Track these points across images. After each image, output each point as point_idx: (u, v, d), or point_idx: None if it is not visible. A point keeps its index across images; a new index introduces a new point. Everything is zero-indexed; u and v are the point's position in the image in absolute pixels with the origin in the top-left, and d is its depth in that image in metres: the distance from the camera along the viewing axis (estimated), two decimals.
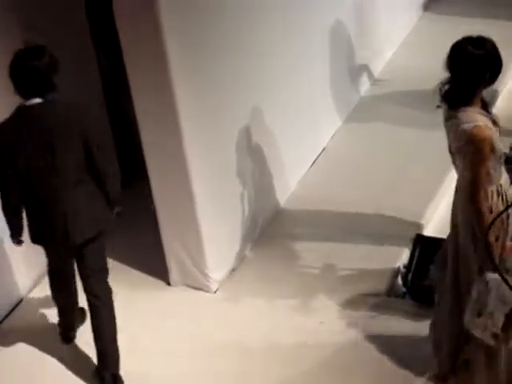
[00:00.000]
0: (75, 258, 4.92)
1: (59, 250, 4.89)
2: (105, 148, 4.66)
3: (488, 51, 4.15)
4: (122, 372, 4.99)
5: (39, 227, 4.77)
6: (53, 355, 5.23)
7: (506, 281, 4.16)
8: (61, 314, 5.21)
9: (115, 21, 5.00)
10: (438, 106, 4.32)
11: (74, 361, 5.17)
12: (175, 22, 4.99)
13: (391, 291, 5.51)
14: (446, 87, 4.24)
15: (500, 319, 4.11)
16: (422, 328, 5.10)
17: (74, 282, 5.11)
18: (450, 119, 4.24)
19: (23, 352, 5.30)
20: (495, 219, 4.14)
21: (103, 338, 4.92)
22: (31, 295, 5.71)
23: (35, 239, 4.82)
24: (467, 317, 4.22)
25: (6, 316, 5.58)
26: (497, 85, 7.12)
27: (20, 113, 4.56)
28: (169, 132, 5.21)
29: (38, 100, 4.53)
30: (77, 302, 5.18)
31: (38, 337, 5.37)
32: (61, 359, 5.20)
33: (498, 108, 7.07)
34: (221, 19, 5.46)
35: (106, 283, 4.95)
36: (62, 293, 5.14)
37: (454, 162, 4.42)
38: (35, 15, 5.47)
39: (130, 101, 5.25)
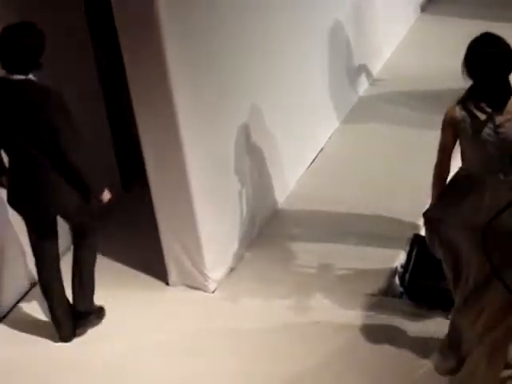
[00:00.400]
0: (55, 235, 5.11)
1: (32, 219, 5.05)
2: (68, 138, 4.71)
3: (503, 46, 4.19)
4: (122, 371, 5.03)
5: (14, 190, 4.98)
6: (51, 354, 5.27)
7: (504, 283, 4.21)
8: (51, 309, 5.25)
9: (115, 21, 5.03)
10: (490, 116, 4.22)
11: (72, 359, 5.21)
12: (176, 22, 5.01)
13: (388, 291, 5.52)
14: (477, 93, 4.22)
15: None
16: (419, 328, 5.14)
17: (58, 268, 5.20)
18: (492, 120, 4.22)
19: (23, 351, 5.33)
20: (498, 214, 4.17)
21: (83, 272, 5.13)
22: (30, 294, 5.74)
23: (9, 201, 5.02)
24: None
25: (5, 315, 5.61)
26: None
27: (1, 84, 4.71)
28: (167, 132, 5.23)
29: (21, 76, 4.66)
30: (66, 298, 5.23)
31: (37, 334, 5.39)
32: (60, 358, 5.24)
33: None
34: (222, 19, 5.49)
35: (94, 227, 5.15)
36: (45, 275, 5.18)
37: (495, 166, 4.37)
38: (34, 15, 5.48)
39: (130, 103, 5.28)
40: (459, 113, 4.26)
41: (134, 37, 5.01)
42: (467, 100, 4.26)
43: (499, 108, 4.22)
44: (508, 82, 4.23)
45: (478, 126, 4.26)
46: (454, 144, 4.38)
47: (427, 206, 4.57)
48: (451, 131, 4.33)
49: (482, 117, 4.24)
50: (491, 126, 4.24)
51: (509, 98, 4.22)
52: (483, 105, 4.22)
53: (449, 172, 4.48)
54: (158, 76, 5.05)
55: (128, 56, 5.08)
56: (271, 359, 5.08)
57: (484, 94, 4.23)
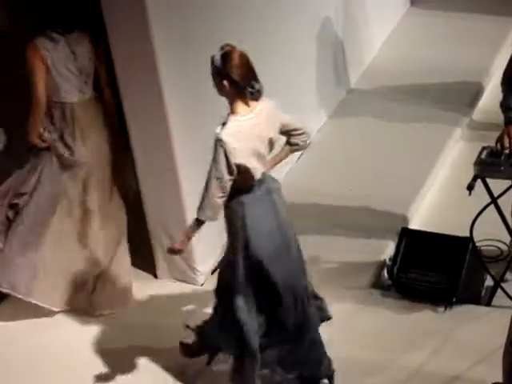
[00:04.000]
0: None
1: None
2: None
3: None
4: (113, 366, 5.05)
5: None
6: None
7: (504, 290, 4.20)
8: None
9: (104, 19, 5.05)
10: None
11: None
12: (166, 20, 5.06)
13: (377, 284, 5.56)
14: None
15: None
16: (407, 320, 5.16)
17: None
18: None
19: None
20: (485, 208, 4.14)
21: None
22: None
23: None
24: None
25: None
26: (482, 79, 7.20)
27: None
28: (157, 125, 5.26)
29: None
30: None
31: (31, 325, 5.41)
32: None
33: (483, 102, 7.12)
34: (210, 11, 5.53)
35: None
36: None
37: None
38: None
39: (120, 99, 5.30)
40: None
41: (124, 36, 5.04)
42: None
43: None
44: None
45: None
46: None
47: None
48: None
49: None
50: None
51: None
52: None
53: None
54: (148, 73, 5.08)
55: (118, 58, 5.11)
56: None
57: None
